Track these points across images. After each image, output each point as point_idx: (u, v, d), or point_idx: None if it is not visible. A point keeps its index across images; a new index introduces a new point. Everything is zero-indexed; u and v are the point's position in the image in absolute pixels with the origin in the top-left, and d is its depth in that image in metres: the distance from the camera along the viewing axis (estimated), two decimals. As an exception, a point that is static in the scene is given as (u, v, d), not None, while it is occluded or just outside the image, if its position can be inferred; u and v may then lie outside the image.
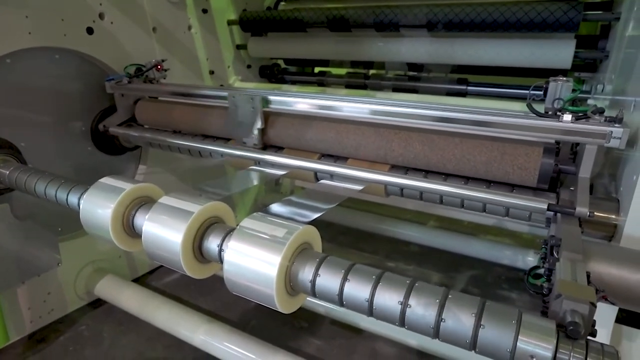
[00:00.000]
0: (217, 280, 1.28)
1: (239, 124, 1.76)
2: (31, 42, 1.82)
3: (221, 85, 2.89)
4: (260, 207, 3.26)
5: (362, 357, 1.97)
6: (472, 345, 0.82)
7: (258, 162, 1.79)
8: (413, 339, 1.86)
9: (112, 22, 2.13)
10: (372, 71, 2.93)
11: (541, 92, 1.38)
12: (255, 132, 1.74)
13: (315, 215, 1.44)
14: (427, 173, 1.51)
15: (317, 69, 3.19)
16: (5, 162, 1.74)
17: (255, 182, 3.24)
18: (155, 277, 2.57)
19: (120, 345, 2.04)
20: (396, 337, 1.89)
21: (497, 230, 2.83)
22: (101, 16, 2.09)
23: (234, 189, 3.11)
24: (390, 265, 2.74)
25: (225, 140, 1.92)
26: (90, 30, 2.04)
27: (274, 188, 3.48)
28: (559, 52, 2.04)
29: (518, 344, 0.77)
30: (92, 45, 2.06)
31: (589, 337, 0.79)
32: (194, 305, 2.17)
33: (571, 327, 0.76)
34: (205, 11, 2.69)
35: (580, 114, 1.23)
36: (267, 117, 1.77)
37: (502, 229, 2.78)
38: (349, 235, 2.99)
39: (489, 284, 2.55)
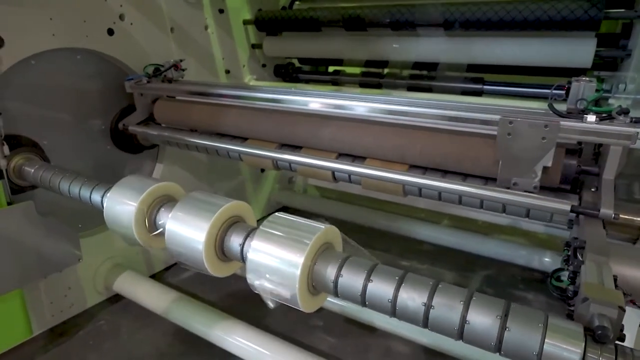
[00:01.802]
0: (232, 278, 1.29)
1: (512, 158, 1.29)
2: (55, 43, 1.86)
3: (236, 84, 2.91)
4: (274, 205, 3.30)
5: (376, 356, 1.97)
6: (497, 347, 0.82)
7: (275, 161, 1.80)
8: (427, 338, 1.86)
9: (131, 23, 2.16)
10: (386, 70, 2.92)
11: (562, 92, 1.37)
12: (539, 172, 1.28)
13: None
14: (445, 173, 1.50)
15: (331, 68, 3.19)
16: (29, 160, 1.79)
17: (269, 181, 3.29)
18: (171, 273, 2.61)
19: (137, 340, 2.07)
20: (410, 336, 1.89)
21: (511, 230, 2.81)
22: (121, 17, 2.12)
23: (248, 187, 3.14)
24: (403, 264, 2.74)
25: (242, 139, 1.93)
26: (110, 32, 2.08)
27: (287, 186, 3.49)
28: (578, 51, 2.01)
29: (545, 347, 0.77)
30: (112, 46, 2.10)
31: (617, 342, 0.78)
32: (208, 301, 2.20)
33: (600, 331, 0.75)
34: (221, 11, 2.71)
35: (604, 115, 1.21)
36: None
37: (517, 228, 2.76)
38: (361, 234, 2.98)
39: (504, 285, 2.53)
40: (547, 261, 2.46)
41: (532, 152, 1.25)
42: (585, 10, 1.87)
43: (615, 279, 0.90)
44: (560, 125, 1.21)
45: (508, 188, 1.33)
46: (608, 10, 1.90)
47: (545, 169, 1.27)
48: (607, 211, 1.14)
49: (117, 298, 2.32)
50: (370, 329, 2.03)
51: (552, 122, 1.21)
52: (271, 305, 1.03)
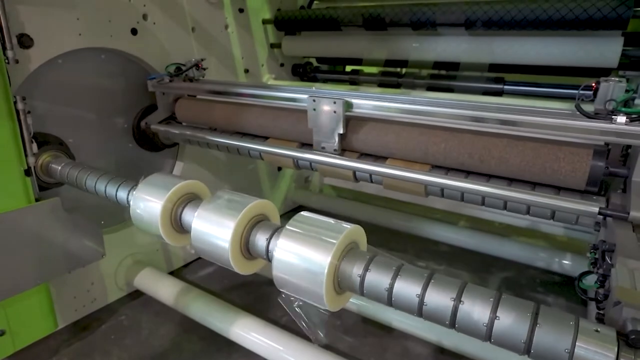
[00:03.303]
0: (250, 275, 1.30)
1: (318, 128, 1.68)
2: (81, 42, 1.91)
3: (254, 84, 2.93)
4: (290, 205, 3.31)
5: (394, 356, 1.97)
6: (527, 349, 0.81)
7: (296, 160, 1.81)
8: (445, 339, 1.85)
9: (154, 23, 2.19)
10: (404, 70, 2.91)
11: (589, 93, 1.34)
12: (336, 137, 1.66)
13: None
14: (468, 174, 1.49)
15: (348, 68, 3.19)
16: (56, 158, 1.83)
17: (286, 180, 3.30)
18: (190, 270, 2.65)
19: (157, 335, 2.10)
20: (428, 337, 1.88)
21: (529, 232, 2.77)
22: (145, 17, 2.15)
23: (265, 186, 3.17)
24: (420, 264, 2.73)
25: (263, 138, 1.95)
26: (134, 31, 2.11)
27: (304, 186, 3.51)
28: (604, 50, 1.97)
29: (576, 350, 0.76)
30: (136, 45, 2.13)
31: (650, 347, 0.77)
32: (226, 298, 2.22)
33: (633, 336, 0.74)
34: (241, 11, 2.73)
35: (634, 116, 1.19)
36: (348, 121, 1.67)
37: (535, 230, 2.72)
38: (378, 234, 2.98)
39: (522, 287, 2.50)
40: (567, 264, 2.42)
41: (330, 123, 1.64)
42: (613, 8, 1.83)
43: (648, 283, 0.89)
44: (344, 101, 1.57)
45: (319, 151, 1.71)
46: (637, 9, 1.85)
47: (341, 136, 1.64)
48: (637, 214, 1.12)
49: (137, 294, 2.36)
50: (387, 329, 2.03)
51: (339, 99, 1.58)
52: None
